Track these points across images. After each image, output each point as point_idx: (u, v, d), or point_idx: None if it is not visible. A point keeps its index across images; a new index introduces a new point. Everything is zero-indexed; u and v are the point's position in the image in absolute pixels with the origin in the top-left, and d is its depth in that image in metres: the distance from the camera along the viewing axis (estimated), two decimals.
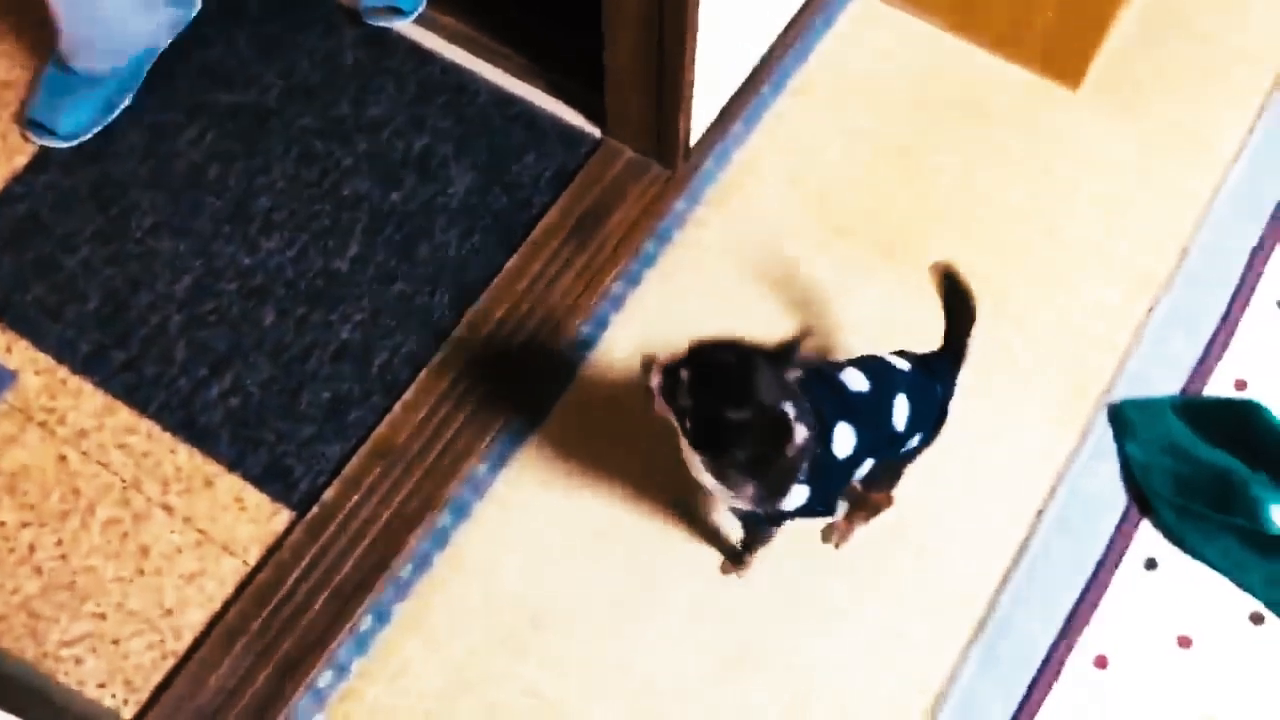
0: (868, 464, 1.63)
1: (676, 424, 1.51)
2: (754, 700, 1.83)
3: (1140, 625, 1.89)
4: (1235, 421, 1.99)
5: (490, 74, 2.30)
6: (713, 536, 1.92)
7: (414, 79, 2.29)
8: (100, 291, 2.09)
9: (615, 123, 2.20)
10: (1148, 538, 1.94)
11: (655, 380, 1.50)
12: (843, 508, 1.88)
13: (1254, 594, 1.90)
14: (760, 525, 1.75)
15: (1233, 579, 1.91)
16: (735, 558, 1.88)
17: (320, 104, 2.26)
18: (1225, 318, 2.08)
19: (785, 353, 1.48)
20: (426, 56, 2.31)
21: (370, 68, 2.29)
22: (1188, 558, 1.92)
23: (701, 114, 2.16)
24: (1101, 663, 1.86)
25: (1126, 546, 1.93)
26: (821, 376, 1.59)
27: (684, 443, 1.52)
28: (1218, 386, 2.04)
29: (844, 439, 1.56)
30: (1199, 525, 1.92)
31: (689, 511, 1.93)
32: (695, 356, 1.48)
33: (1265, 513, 1.92)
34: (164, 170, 2.19)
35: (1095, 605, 1.90)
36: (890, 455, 1.68)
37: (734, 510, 1.67)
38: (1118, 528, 1.94)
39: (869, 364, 1.65)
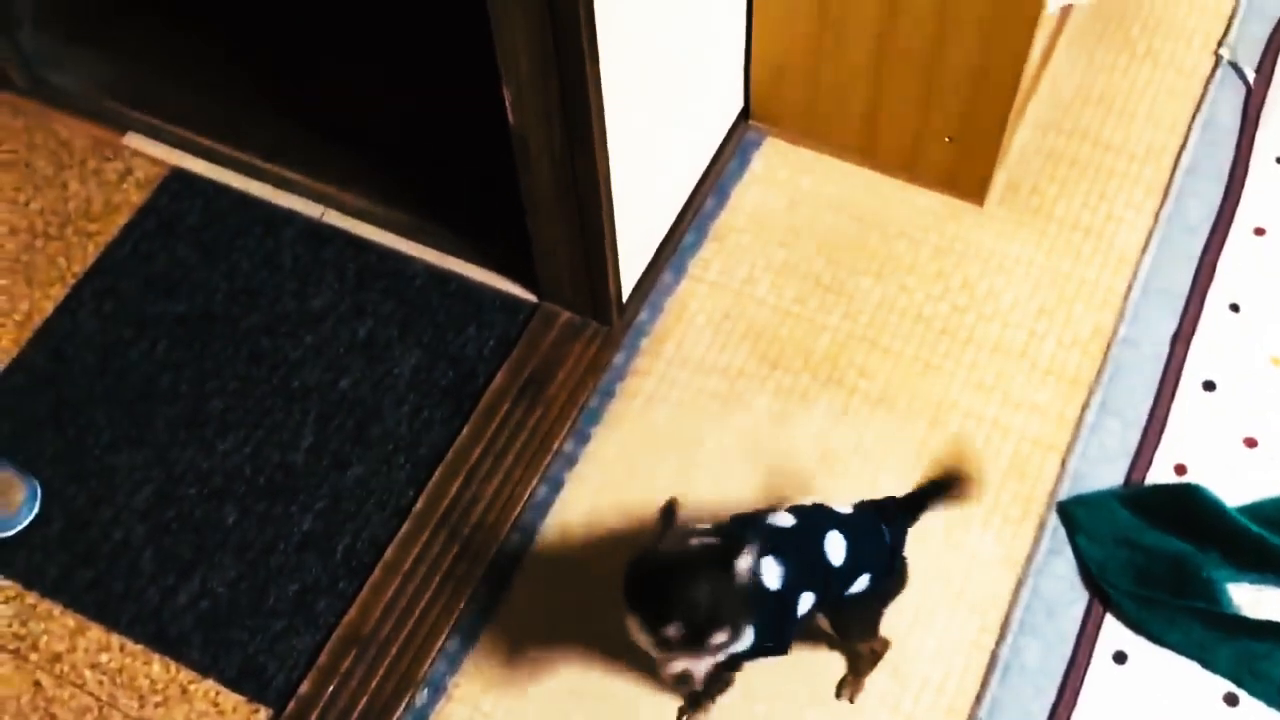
0: (808, 598, 1.65)
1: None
2: None
3: None
4: (1180, 506, 2.04)
5: (425, 254, 2.38)
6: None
7: (352, 268, 2.37)
8: (63, 512, 2.12)
9: (548, 287, 2.28)
10: (1113, 631, 1.97)
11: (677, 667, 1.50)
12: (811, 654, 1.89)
13: (1223, 674, 1.92)
14: (720, 674, 1.76)
15: (1200, 662, 1.94)
16: (695, 704, 1.89)
17: (264, 302, 2.33)
18: (1155, 406, 2.15)
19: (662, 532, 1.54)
20: (362, 245, 2.40)
21: (309, 261, 2.38)
22: (1155, 646, 1.95)
23: (630, 268, 2.25)
24: None
25: (1094, 643, 1.96)
26: (748, 519, 1.66)
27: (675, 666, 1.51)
28: (1158, 474, 2.10)
29: (771, 570, 1.60)
30: (1160, 612, 1.96)
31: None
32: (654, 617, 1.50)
33: (1222, 592, 1.96)
34: (117, 385, 2.24)
35: (1072, 706, 1.92)
36: (838, 593, 1.70)
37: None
38: (1083, 625, 1.98)
39: (802, 508, 1.71)
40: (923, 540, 2.02)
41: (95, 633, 2.01)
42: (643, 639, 1.52)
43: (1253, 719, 1.89)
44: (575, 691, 1.94)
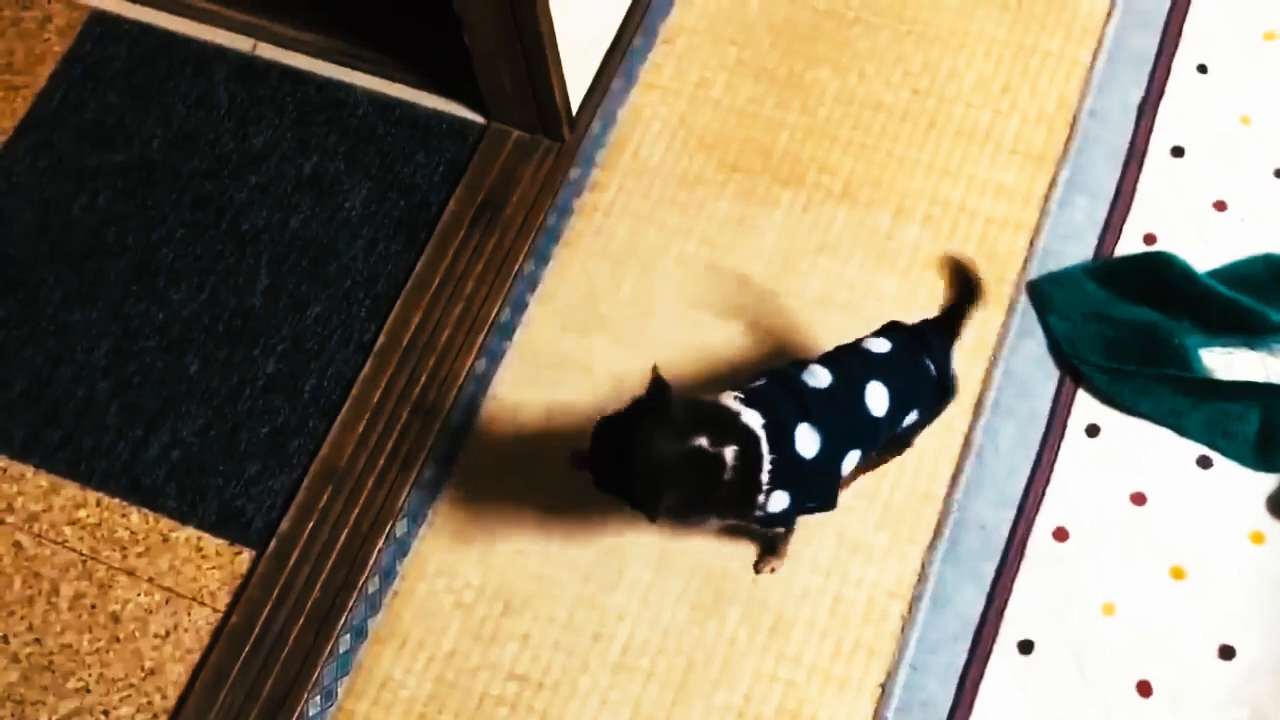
0: (854, 455, 1.59)
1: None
2: (734, 636, 1.86)
3: (1093, 491, 1.92)
4: (1150, 275, 2.01)
5: (365, 82, 2.29)
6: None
7: (291, 102, 2.28)
8: (23, 374, 2.09)
9: (495, 106, 2.20)
10: (1085, 405, 1.97)
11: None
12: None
13: (1196, 439, 1.93)
14: (765, 528, 1.75)
15: (1173, 428, 1.94)
16: (769, 550, 1.88)
17: (203, 145, 2.25)
18: (1123, 177, 2.10)
19: (661, 399, 1.50)
20: (300, 77, 2.30)
21: (246, 99, 2.29)
22: (1127, 417, 1.95)
23: (578, 79, 2.16)
24: (1061, 535, 1.89)
25: (1067, 417, 1.96)
26: (781, 379, 1.57)
27: None
28: (1128, 245, 2.06)
29: (807, 439, 1.53)
30: (1132, 383, 1.95)
31: None
32: (594, 464, 1.51)
33: (1193, 358, 1.95)
34: (63, 241, 2.19)
35: (1047, 480, 1.93)
36: (888, 435, 1.66)
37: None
38: (1055, 401, 1.97)
39: (836, 357, 1.62)
40: None
41: (70, 490, 2.01)
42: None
43: (1226, 479, 1.91)
44: (556, 508, 1.95)
